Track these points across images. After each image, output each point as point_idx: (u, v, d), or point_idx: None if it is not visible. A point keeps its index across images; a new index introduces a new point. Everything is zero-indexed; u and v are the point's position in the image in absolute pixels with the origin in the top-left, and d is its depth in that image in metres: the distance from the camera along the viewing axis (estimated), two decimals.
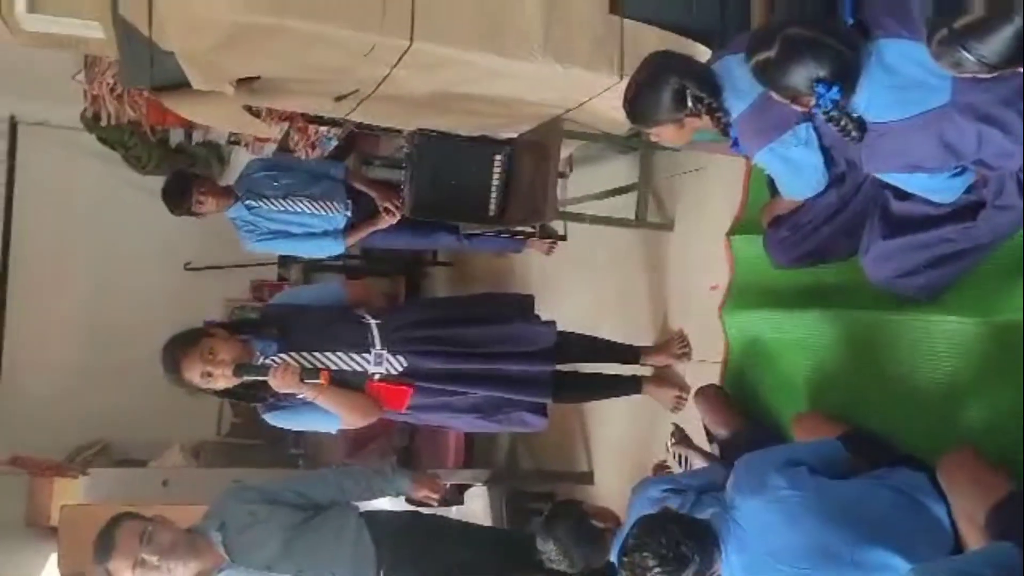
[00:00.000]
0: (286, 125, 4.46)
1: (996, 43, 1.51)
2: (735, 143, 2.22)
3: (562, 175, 4.02)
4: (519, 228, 3.88)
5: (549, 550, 2.61)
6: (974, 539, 1.89)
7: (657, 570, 1.94)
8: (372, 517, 2.92)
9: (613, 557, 2.54)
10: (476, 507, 3.88)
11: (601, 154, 3.89)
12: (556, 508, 2.78)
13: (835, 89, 1.79)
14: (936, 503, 1.99)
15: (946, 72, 1.64)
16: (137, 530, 2.55)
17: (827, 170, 2.24)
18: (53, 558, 5.00)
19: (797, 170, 2.21)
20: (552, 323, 3.01)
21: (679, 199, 3.42)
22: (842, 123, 1.89)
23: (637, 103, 2.22)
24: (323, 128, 4.51)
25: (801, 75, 1.81)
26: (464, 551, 3.00)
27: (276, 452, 6.21)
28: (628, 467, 3.43)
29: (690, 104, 2.14)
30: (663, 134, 2.25)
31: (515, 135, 3.42)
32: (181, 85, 2.85)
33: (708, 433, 2.87)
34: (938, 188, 1.99)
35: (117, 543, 2.52)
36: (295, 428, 2.93)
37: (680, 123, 2.20)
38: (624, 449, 3.58)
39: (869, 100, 1.84)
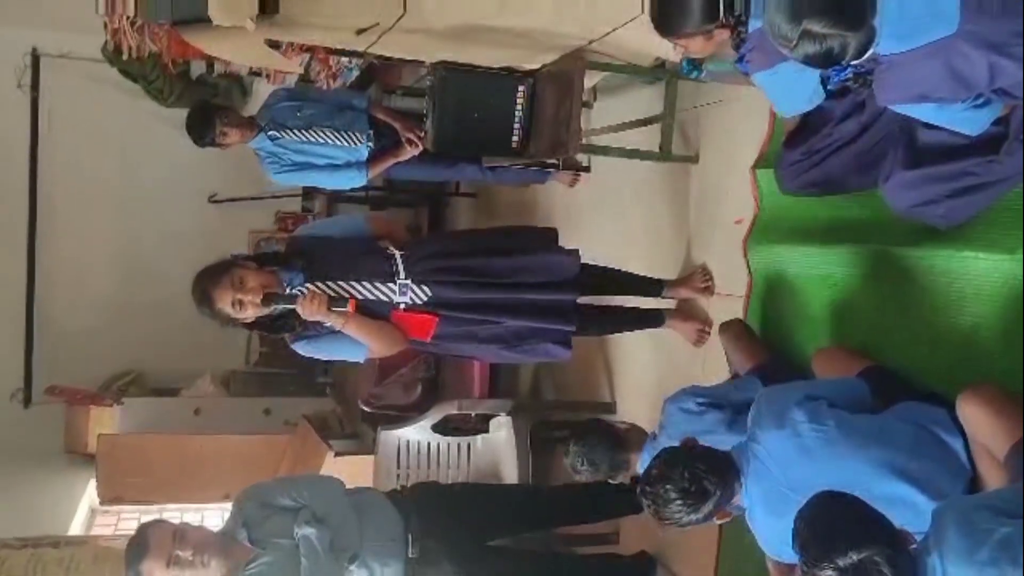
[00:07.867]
0: (307, 56, 4.42)
1: None
2: (740, 59, 2.17)
3: (586, 105, 3.98)
4: (542, 160, 3.86)
5: (574, 460, 2.63)
6: (993, 475, 1.90)
7: (679, 503, 1.98)
8: (393, 494, 3.03)
9: (643, 463, 2.56)
10: (500, 436, 3.96)
11: (625, 84, 3.84)
12: (577, 427, 2.78)
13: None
14: (954, 438, 2.00)
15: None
16: (169, 530, 2.59)
17: (824, 90, 2.14)
18: (91, 484, 5.18)
19: (790, 83, 2.11)
20: (576, 253, 3.01)
21: (704, 131, 3.38)
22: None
23: (667, 13, 2.15)
24: (344, 59, 4.47)
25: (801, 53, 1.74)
26: (491, 511, 3.09)
27: (304, 381, 6.35)
28: (650, 398, 3.47)
29: (722, 14, 2.08)
30: (690, 46, 2.19)
31: (538, 67, 3.37)
32: (202, 20, 2.84)
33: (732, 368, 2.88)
34: (960, 120, 1.94)
35: (150, 544, 2.54)
36: (323, 357, 2.97)
37: (710, 34, 2.15)
38: (646, 381, 3.61)
39: None
